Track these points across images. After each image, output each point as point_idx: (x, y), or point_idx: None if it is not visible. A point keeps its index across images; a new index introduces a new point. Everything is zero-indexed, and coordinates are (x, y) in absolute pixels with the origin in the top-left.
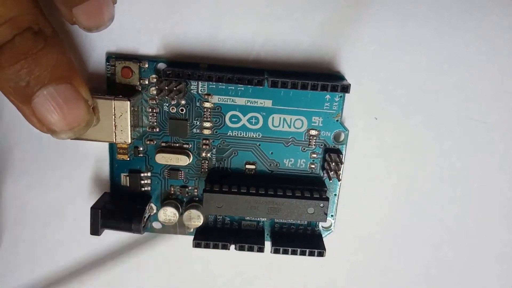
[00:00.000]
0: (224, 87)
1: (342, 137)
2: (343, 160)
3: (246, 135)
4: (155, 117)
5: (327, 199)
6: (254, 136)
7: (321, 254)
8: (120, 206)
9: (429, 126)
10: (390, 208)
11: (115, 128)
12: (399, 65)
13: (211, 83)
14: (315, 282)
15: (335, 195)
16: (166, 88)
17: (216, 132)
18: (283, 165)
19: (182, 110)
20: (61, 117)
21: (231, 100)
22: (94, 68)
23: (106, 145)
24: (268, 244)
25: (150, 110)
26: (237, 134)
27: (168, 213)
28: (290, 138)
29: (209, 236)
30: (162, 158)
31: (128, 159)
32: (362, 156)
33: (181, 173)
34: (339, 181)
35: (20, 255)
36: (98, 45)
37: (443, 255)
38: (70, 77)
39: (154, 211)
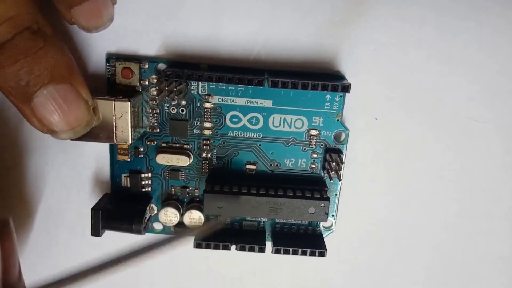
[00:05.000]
0: (224, 87)
1: (343, 137)
2: (343, 160)
3: (246, 135)
4: (155, 118)
5: (328, 199)
6: (255, 136)
7: (322, 254)
8: (121, 207)
9: (429, 126)
10: (391, 208)
11: (115, 128)
12: (399, 65)
13: (211, 83)
14: (316, 282)
15: (336, 195)
16: (167, 88)
17: (216, 132)
18: (283, 165)
19: (182, 110)
20: (61, 117)
21: (231, 100)
22: (94, 68)
23: (107, 145)
24: (269, 244)
25: (150, 110)
26: (238, 134)
27: (169, 214)
28: (290, 138)
29: (210, 236)
30: (163, 159)
31: (129, 159)
32: (363, 156)
33: (181, 173)
34: (339, 180)
35: (20, 256)
36: (98, 45)
37: (443, 255)
38: (70, 77)
39: (155, 211)
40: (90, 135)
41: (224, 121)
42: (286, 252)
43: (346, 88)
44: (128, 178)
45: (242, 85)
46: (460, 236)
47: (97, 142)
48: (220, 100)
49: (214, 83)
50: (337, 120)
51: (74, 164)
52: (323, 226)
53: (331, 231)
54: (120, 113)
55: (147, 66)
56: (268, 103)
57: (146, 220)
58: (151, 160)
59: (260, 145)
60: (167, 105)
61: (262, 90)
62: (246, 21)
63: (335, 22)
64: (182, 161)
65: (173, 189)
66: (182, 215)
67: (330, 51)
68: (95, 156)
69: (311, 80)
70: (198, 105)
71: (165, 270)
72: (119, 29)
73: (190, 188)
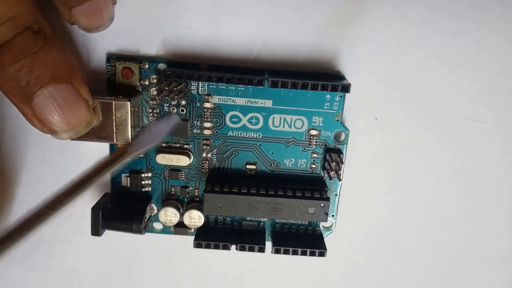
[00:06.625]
0: (224, 87)
1: (343, 137)
2: (343, 160)
3: (246, 135)
4: (155, 118)
5: (327, 199)
6: (255, 136)
7: (322, 254)
8: (121, 207)
9: (429, 126)
10: (391, 208)
11: (115, 128)
12: (399, 65)
13: (211, 83)
14: (316, 282)
15: (336, 195)
16: (167, 88)
17: (216, 132)
18: (283, 165)
19: (182, 110)
20: (62, 117)
21: (231, 100)
22: (94, 68)
23: (107, 145)
24: (269, 244)
25: (150, 110)
26: (238, 134)
27: (169, 214)
28: (290, 138)
29: (210, 236)
30: (163, 159)
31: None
32: (363, 156)
33: (181, 173)
34: (339, 181)
35: (20, 256)
36: (99, 45)
37: (443, 255)
38: (70, 77)
39: (155, 211)
40: (90, 135)
41: (224, 121)
42: (286, 252)
43: (346, 88)
44: (128, 178)
45: (242, 85)
46: (460, 236)
47: (97, 142)
48: (220, 100)
49: (214, 83)
50: (337, 120)
51: (74, 164)
52: (323, 226)
53: (331, 231)
54: (120, 113)
55: (147, 66)
56: (268, 103)
57: (146, 220)
58: (151, 160)
59: (260, 145)
60: (167, 105)
61: (262, 90)
62: (246, 21)
63: (335, 22)
64: (182, 161)
65: (173, 189)
66: (182, 215)
67: (330, 51)
68: (95, 156)
69: (311, 80)
70: (198, 105)
71: (165, 270)
72: (119, 29)
73: (190, 188)
